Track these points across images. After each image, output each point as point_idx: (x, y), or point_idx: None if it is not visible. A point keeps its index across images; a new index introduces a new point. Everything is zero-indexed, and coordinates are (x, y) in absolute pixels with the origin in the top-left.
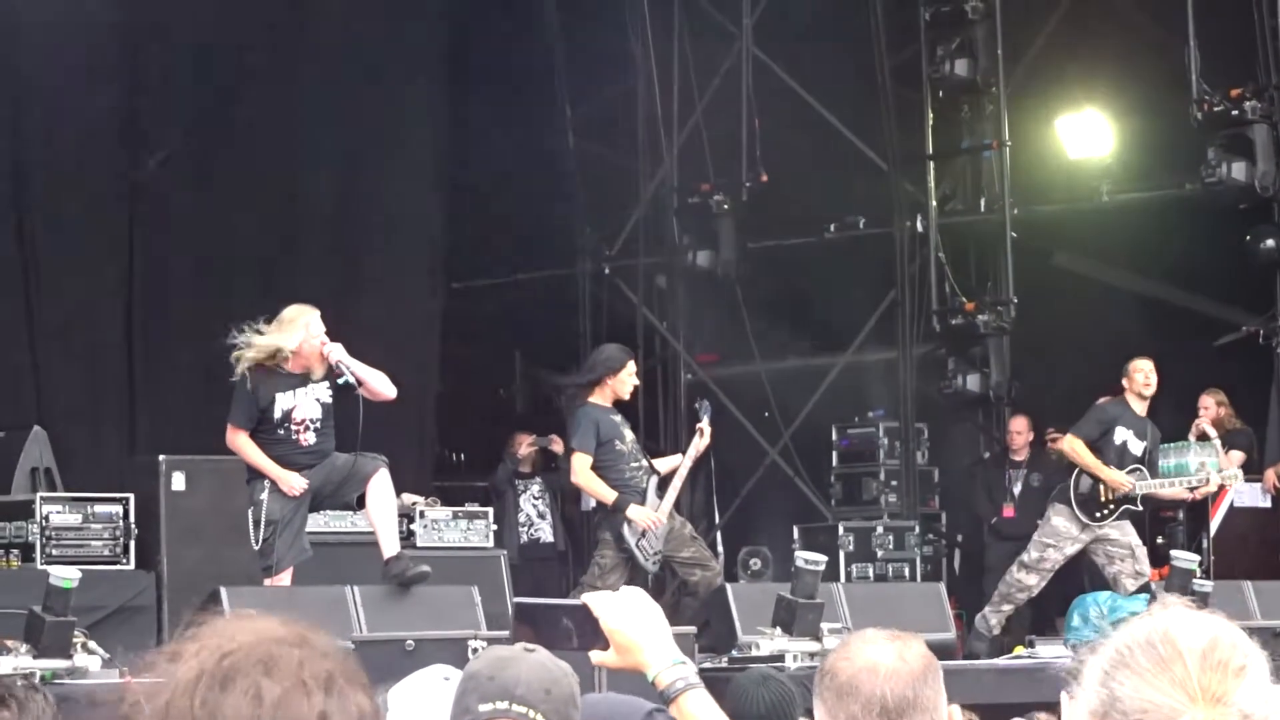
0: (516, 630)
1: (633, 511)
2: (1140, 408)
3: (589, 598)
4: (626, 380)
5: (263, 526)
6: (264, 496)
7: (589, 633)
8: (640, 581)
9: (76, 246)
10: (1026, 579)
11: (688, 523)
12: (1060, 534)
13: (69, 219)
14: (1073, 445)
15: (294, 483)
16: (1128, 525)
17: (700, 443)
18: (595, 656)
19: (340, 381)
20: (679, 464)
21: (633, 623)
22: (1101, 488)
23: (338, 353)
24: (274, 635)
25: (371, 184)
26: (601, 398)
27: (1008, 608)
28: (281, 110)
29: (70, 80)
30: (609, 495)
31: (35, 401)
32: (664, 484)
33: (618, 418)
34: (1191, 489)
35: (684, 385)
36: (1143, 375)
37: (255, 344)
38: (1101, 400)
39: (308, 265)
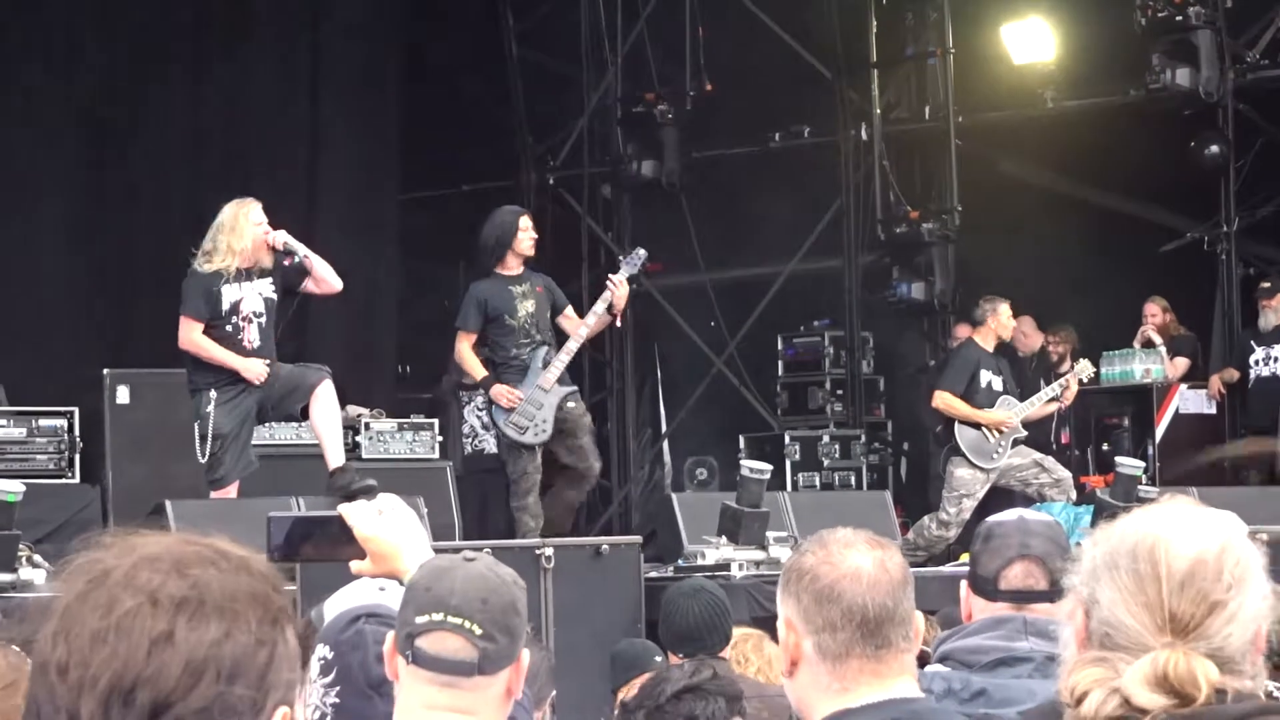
0: (272, 544)
1: (494, 391)
2: (991, 346)
3: (343, 508)
4: (525, 240)
5: (210, 440)
6: (210, 409)
7: (344, 543)
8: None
9: (23, 162)
10: (945, 533)
11: (588, 413)
12: (967, 482)
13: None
14: (946, 400)
15: (257, 369)
16: (1023, 448)
17: (613, 296)
18: (354, 566)
19: (296, 260)
20: (578, 325)
21: (385, 531)
22: (985, 430)
23: (284, 236)
24: (158, 554)
25: (326, 96)
26: (504, 268)
27: (921, 555)
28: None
29: None
30: (478, 373)
31: None
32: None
33: (520, 286)
34: (1055, 398)
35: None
36: (1012, 321)
37: (214, 257)
38: (955, 345)
39: (261, 175)
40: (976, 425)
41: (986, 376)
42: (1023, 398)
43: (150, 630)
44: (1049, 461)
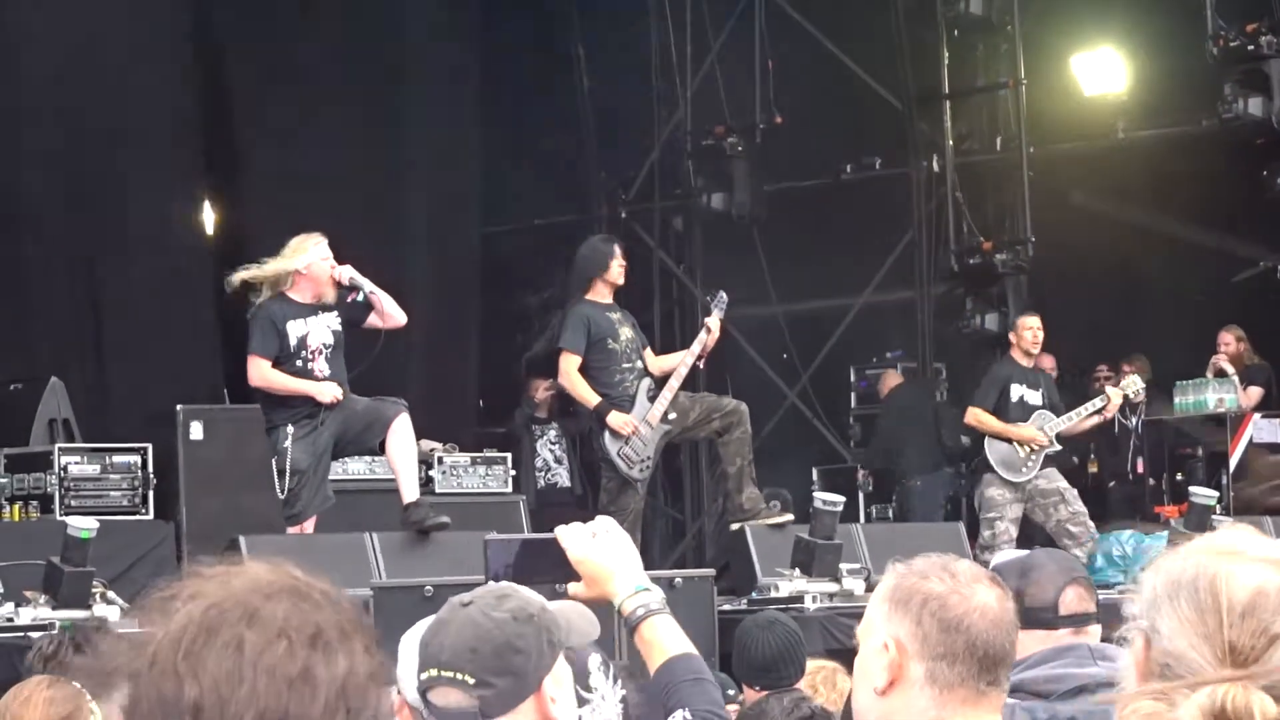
0: (490, 568)
1: (612, 419)
2: (1027, 362)
3: (559, 531)
4: (616, 268)
5: (288, 476)
6: (287, 445)
7: (559, 566)
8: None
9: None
10: (986, 558)
11: (680, 393)
12: (998, 503)
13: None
14: (976, 416)
15: (331, 391)
16: (1053, 472)
17: (707, 339)
18: (570, 589)
19: (360, 298)
20: (678, 363)
21: (599, 553)
22: (1015, 445)
23: (350, 271)
24: (264, 586)
25: (409, 130)
26: (595, 294)
27: None
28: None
29: None
30: (591, 399)
31: (53, 352)
32: (662, 385)
33: (616, 314)
34: (1098, 411)
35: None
36: (1031, 333)
37: (265, 268)
38: (992, 365)
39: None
40: (1008, 440)
41: (1019, 391)
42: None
43: (289, 667)
44: (1071, 493)
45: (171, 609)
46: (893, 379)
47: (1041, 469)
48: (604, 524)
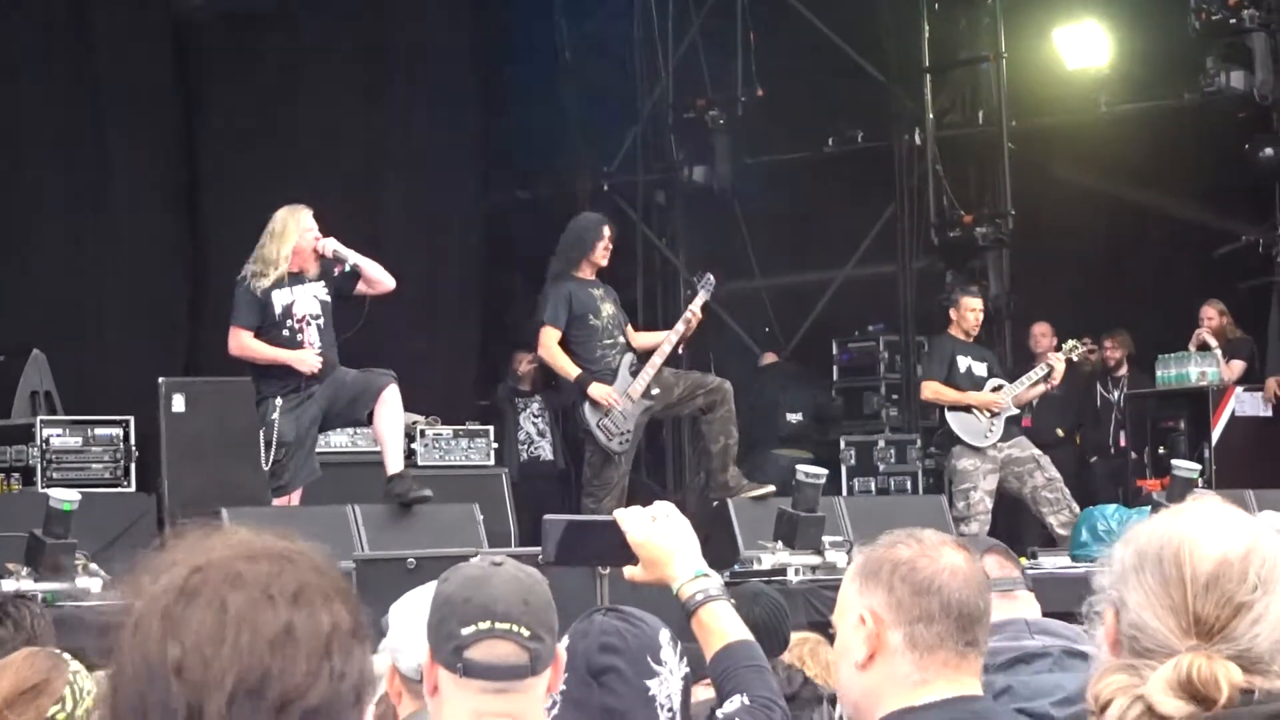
0: (547, 548)
1: (593, 390)
2: (962, 334)
3: (618, 513)
4: (601, 250)
5: (274, 448)
6: (275, 417)
7: (617, 548)
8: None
9: (79, 163)
10: (966, 529)
11: (664, 369)
12: (970, 473)
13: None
14: (934, 389)
15: (310, 360)
16: (1023, 440)
17: (691, 322)
18: (627, 572)
19: (346, 269)
20: (662, 341)
21: (658, 537)
22: (975, 413)
23: (333, 244)
24: (245, 549)
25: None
26: (579, 271)
27: None
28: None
29: None
30: (572, 371)
31: (35, 324)
32: (644, 360)
33: (598, 290)
34: (1044, 378)
35: (683, 301)
36: (974, 314)
37: (264, 250)
38: (932, 340)
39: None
40: (967, 409)
41: (965, 362)
42: (1067, 401)
43: (271, 625)
44: (1045, 460)
45: (153, 574)
46: (769, 358)
47: (1011, 438)
48: (664, 508)
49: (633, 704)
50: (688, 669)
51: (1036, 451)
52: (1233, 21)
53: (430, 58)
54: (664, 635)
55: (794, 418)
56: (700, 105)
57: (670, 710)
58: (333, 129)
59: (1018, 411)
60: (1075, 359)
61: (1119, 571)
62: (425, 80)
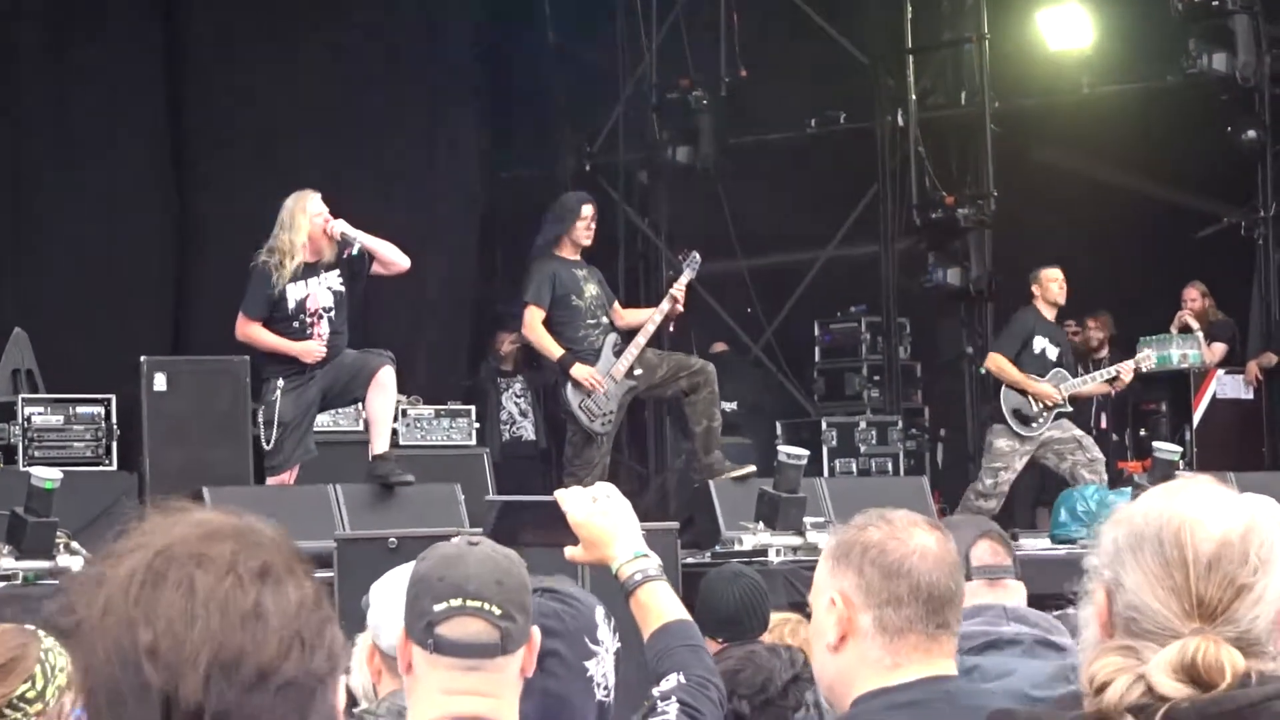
0: (493, 528)
1: (575, 371)
2: (1051, 314)
3: (559, 493)
4: (581, 229)
5: (275, 427)
6: (276, 397)
7: (560, 528)
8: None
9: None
10: (985, 504)
11: (647, 350)
12: (1005, 454)
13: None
14: (998, 363)
15: (315, 351)
16: (1065, 422)
17: (676, 302)
18: (568, 552)
19: (354, 253)
20: (646, 320)
21: (599, 517)
22: (1030, 398)
23: (342, 225)
24: (208, 529)
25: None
26: (562, 250)
27: None
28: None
29: None
30: (555, 351)
31: (16, 303)
32: (628, 340)
33: (582, 270)
34: (1111, 380)
35: (666, 281)
36: (1057, 285)
37: (279, 240)
38: (1016, 313)
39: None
40: (1023, 392)
41: (1041, 344)
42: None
43: (240, 603)
44: (1087, 440)
45: (115, 559)
46: (718, 347)
47: (1052, 424)
48: (605, 489)
49: (572, 686)
50: (619, 644)
51: (1079, 433)
52: (1215, 4)
53: (429, 37)
54: (599, 613)
55: (729, 406)
56: (683, 85)
57: (606, 689)
58: (321, 107)
59: (1070, 409)
60: (1145, 371)
61: (1112, 551)
62: (428, 59)
